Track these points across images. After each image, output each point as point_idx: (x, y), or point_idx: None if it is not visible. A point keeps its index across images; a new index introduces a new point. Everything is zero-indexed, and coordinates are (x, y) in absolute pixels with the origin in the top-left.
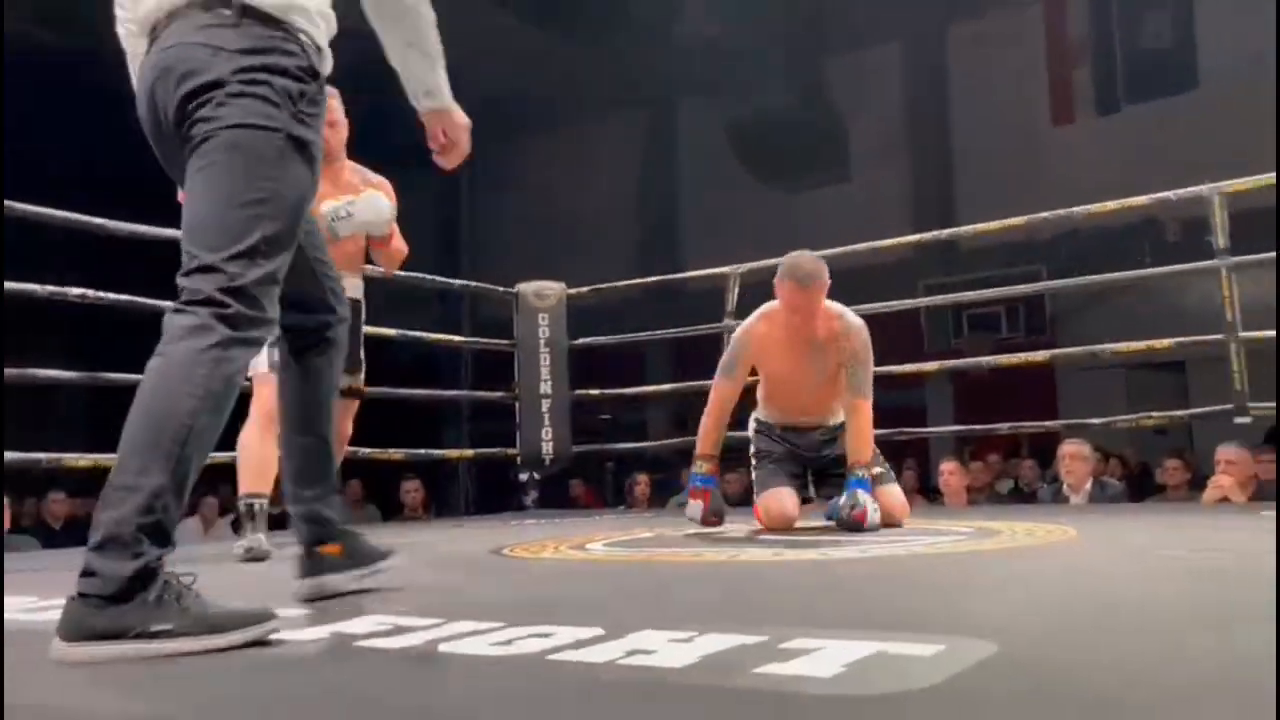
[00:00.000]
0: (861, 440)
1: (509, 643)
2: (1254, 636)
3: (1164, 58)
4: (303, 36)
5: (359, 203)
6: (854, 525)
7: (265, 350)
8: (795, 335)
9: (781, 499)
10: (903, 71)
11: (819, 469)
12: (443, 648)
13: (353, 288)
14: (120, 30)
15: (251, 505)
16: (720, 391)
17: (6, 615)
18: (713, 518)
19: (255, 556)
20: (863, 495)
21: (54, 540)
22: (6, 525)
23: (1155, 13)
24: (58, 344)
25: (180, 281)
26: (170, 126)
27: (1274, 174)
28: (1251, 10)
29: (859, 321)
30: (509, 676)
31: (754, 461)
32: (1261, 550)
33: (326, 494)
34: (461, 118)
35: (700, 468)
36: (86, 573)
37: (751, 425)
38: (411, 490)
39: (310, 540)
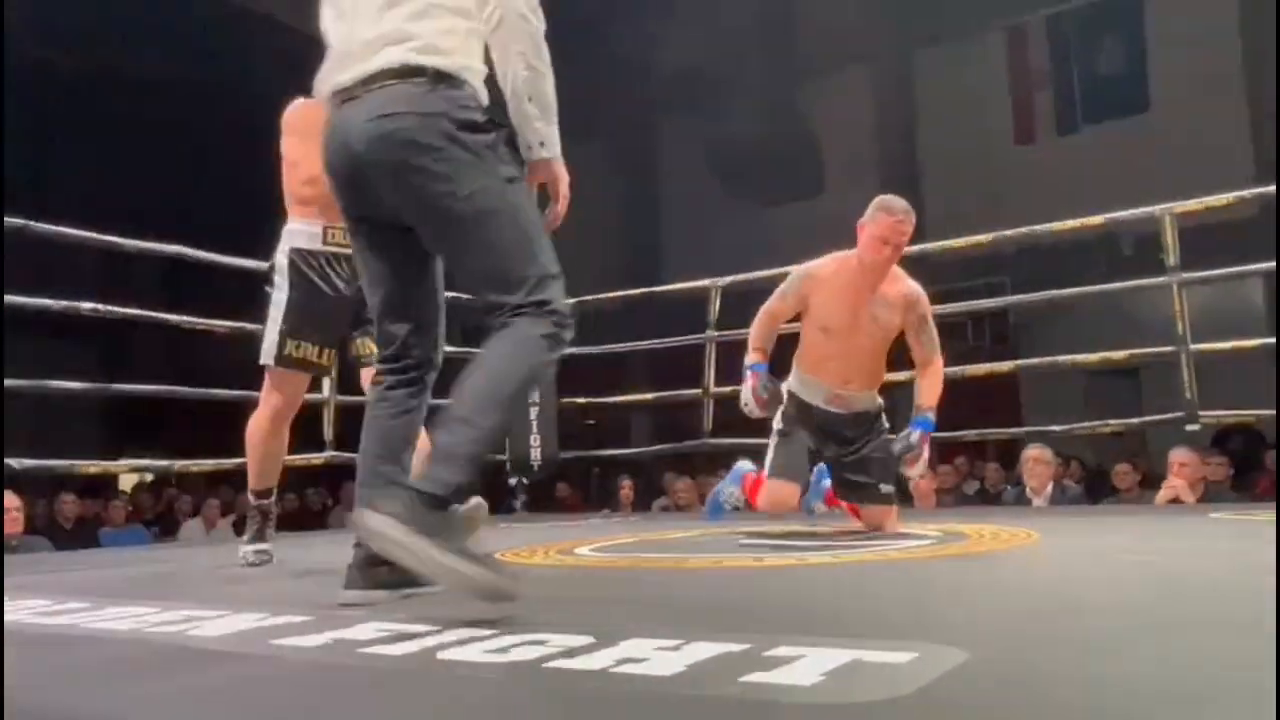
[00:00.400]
0: (933, 389)
1: (504, 650)
2: (1210, 639)
3: (1118, 83)
4: (477, 95)
5: None
6: (901, 461)
7: (273, 338)
8: (861, 288)
9: (783, 494)
10: (873, 93)
11: (840, 464)
12: (441, 655)
13: None
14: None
15: (260, 505)
16: (770, 309)
17: (20, 619)
18: (762, 395)
19: (260, 562)
20: (918, 436)
21: (65, 541)
22: (21, 528)
23: (1110, 40)
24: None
25: (497, 319)
26: (383, 184)
27: (1219, 196)
28: (1198, 40)
29: (924, 296)
30: (506, 685)
31: (777, 427)
32: (1212, 552)
33: None
34: (565, 172)
35: (750, 357)
36: (424, 474)
37: (786, 386)
38: None
39: (368, 556)
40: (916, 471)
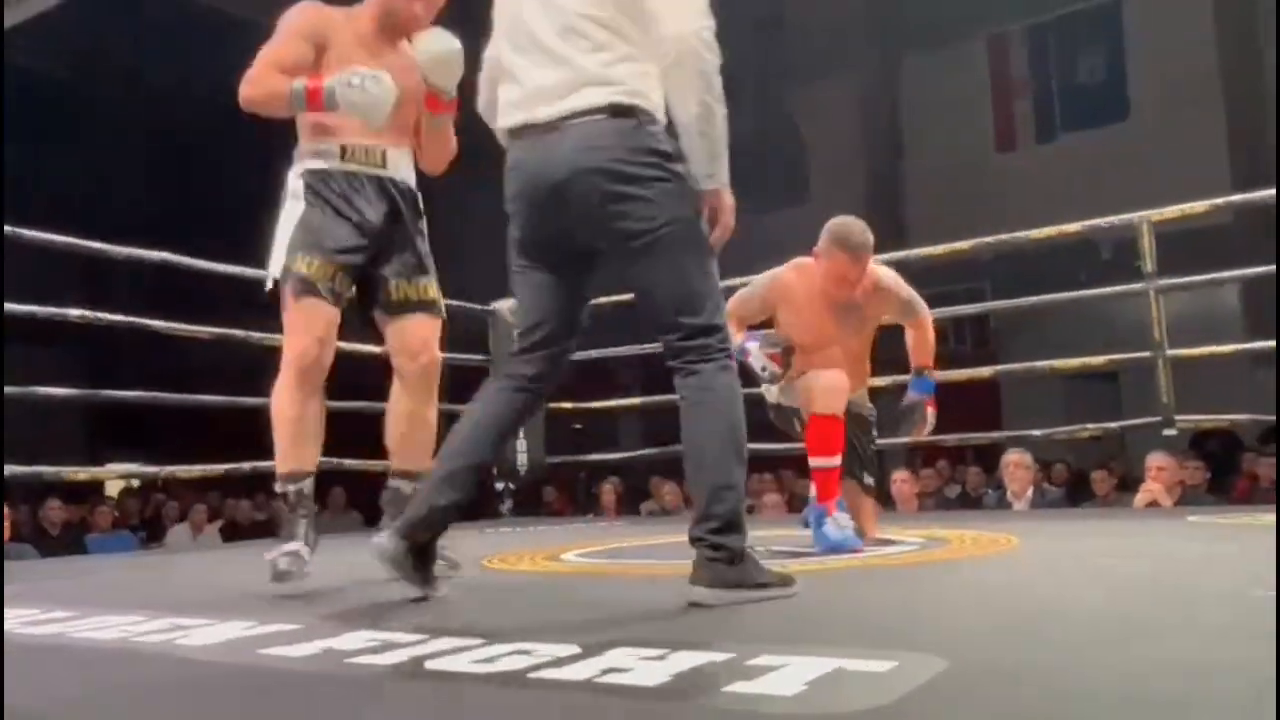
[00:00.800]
0: (926, 344)
1: (491, 660)
2: (1189, 644)
3: (1097, 91)
4: (665, 132)
5: (372, 82)
6: (910, 429)
7: (279, 256)
8: (828, 299)
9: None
10: (859, 101)
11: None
12: (429, 665)
13: (404, 166)
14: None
15: (294, 490)
16: (735, 313)
17: (8, 628)
18: (772, 350)
19: (289, 574)
20: (921, 401)
21: (51, 547)
22: (7, 535)
23: (1089, 50)
24: (53, 359)
25: (679, 344)
26: (584, 211)
27: (1196, 204)
28: (1175, 49)
29: (888, 269)
30: (494, 696)
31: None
32: (1189, 557)
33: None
34: (731, 202)
35: (736, 338)
36: (715, 546)
37: (770, 400)
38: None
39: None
40: (925, 434)
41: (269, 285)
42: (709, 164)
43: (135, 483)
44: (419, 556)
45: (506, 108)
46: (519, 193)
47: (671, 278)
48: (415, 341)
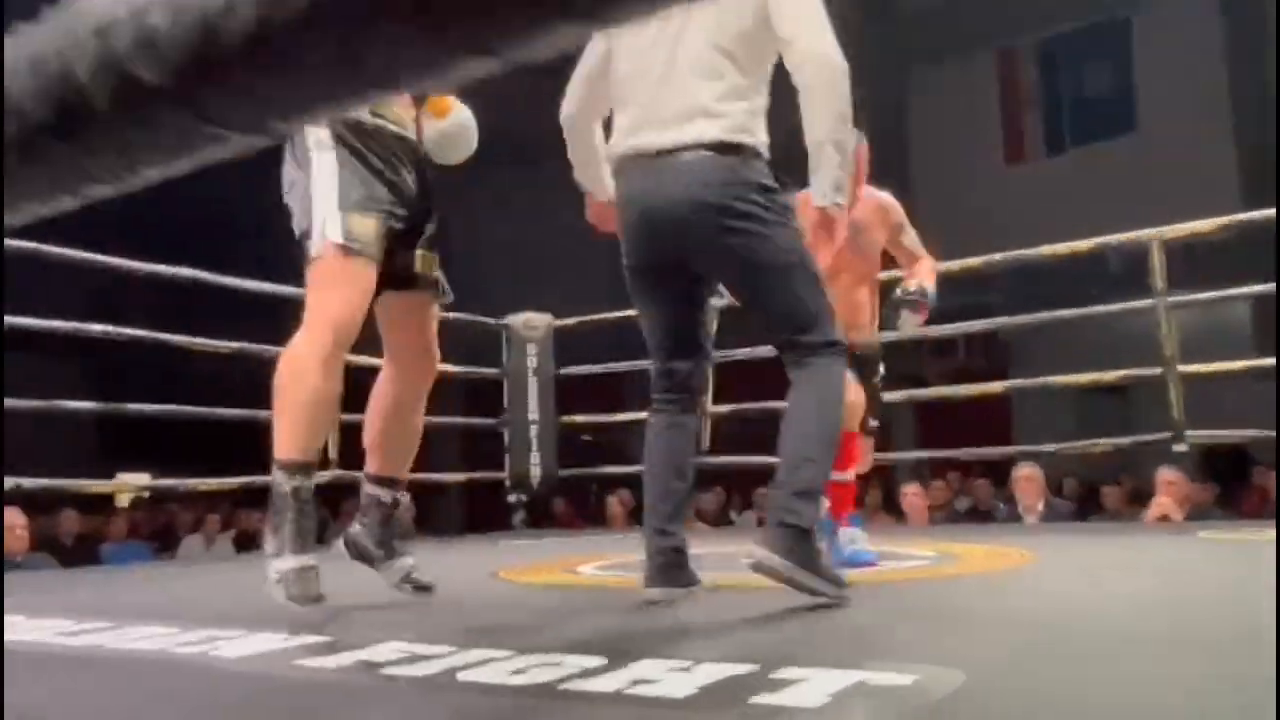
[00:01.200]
0: (928, 276)
1: (522, 671)
2: (1201, 660)
3: (1105, 104)
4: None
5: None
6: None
7: (330, 211)
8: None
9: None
10: (867, 112)
11: None
12: (460, 676)
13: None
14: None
15: (305, 485)
16: None
17: (46, 639)
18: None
19: (307, 597)
20: (920, 289)
21: (66, 558)
22: (26, 545)
23: (1097, 62)
24: (62, 371)
25: (793, 353)
26: (701, 239)
27: (1206, 222)
28: (1184, 63)
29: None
30: (530, 707)
31: None
32: (1202, 571)
33: (681, 526)
34: (846, 217)
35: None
36: (789, 509)
37: None
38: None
39: (671, 561)
40: (915, 323)
41: (318, 248)
42: (835, 180)
43: (145, 493)
44: (678, 565)
45: (619, 134)
46: (634, 224)
47: (786, 302)
48: (429, 337)
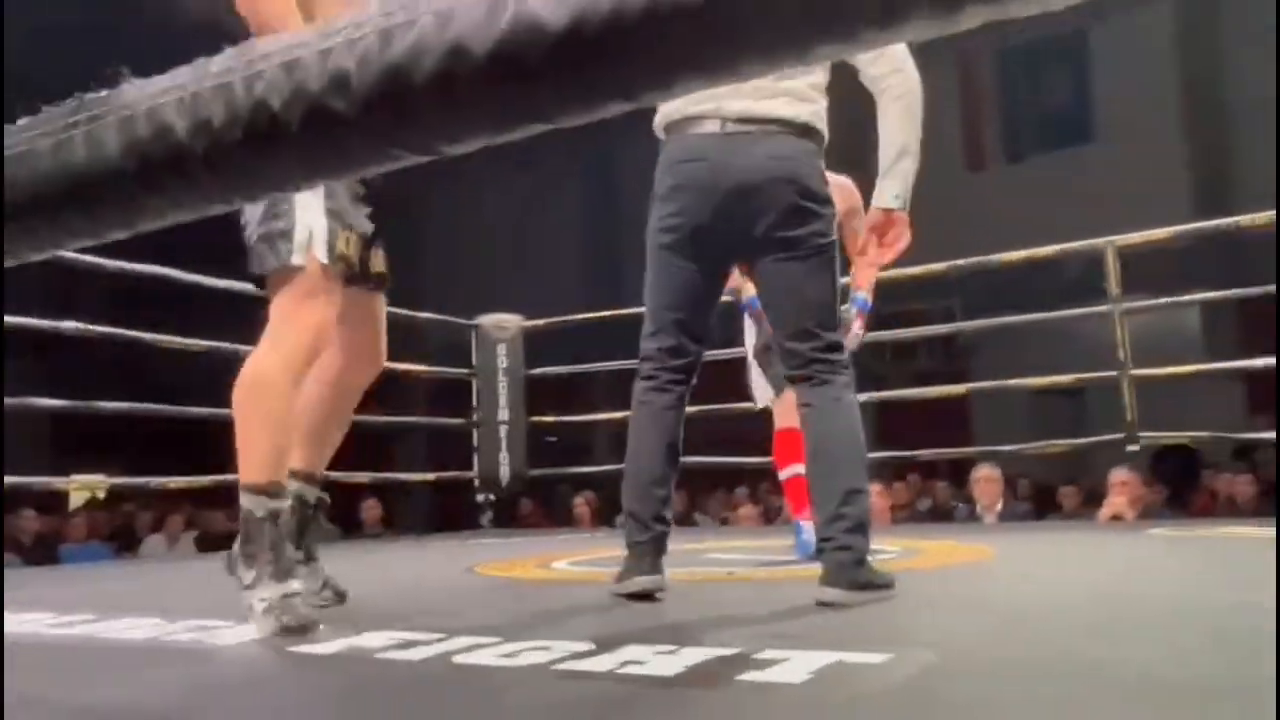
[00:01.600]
0: (869, 274)
1: (513, 655)
2: (1154, 645)
3: (1063, 113)
4: None
5: None
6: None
7: (314, 225)
8: None
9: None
10: (831, 119)
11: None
12: (456, 660)
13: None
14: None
15: (279, 508)
16: None
17: (35, 630)
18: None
19: (304, 627)
20: (854, 312)
21: (26, 558)
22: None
23: (1055, 72)
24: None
25: (811, 354)
26: (767, 211)
27: (1160, 230)
28: (1139, 75)
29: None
30: (526, 685)
31: (754, 360)
32: (1156, 565)
33: (669, 494)
34: (906, 222)
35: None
36: (845, 546)
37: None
38: (370, 508)
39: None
40: (851, 342)
41: (300, 258)
42: (908, 187)
43: (101, 494)
44: (656, 554)
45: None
46: (690, 184)
47: (819, 291)
48: (381, 332)
